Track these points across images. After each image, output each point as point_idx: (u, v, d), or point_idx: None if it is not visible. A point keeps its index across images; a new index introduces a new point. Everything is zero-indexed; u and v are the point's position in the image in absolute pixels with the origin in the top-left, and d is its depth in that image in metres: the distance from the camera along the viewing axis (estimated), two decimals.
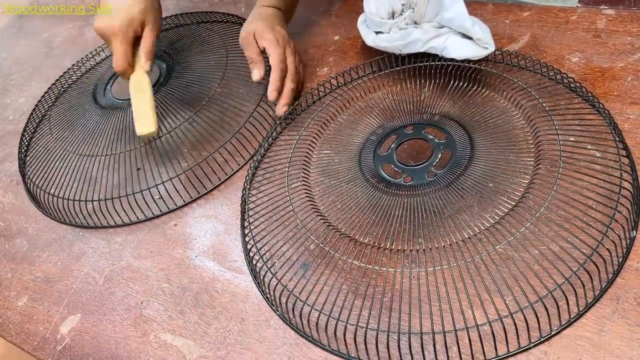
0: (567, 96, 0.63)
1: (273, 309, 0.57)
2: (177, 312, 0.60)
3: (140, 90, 0.73)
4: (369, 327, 0.50)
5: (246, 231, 0.62)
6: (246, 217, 0.63)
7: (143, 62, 0.75)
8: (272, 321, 0.56)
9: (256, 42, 0.74)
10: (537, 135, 0.57)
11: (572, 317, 0.48)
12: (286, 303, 0.55)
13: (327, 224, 0.59)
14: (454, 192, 0.55)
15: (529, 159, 0.55)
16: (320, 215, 0.59)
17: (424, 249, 0.54)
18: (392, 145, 0.62)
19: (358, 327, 0.50)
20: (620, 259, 0.50)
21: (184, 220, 0.69)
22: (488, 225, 0.52)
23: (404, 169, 0.59)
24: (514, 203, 0.53)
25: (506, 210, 0.52)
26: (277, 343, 0.55)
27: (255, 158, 0.70)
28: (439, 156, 0.59)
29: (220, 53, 0.84)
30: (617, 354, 0.45)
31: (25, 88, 1.02)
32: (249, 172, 0.68)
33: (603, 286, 0.49)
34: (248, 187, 0.66)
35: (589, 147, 0.57)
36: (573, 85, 0.63)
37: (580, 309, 0.48)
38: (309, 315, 0.53)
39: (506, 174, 0.55)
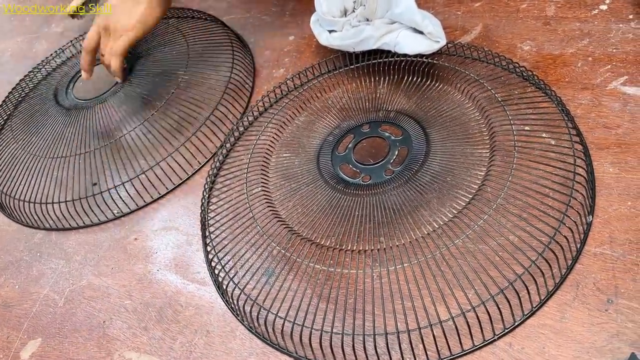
0: (520, 85, 0.63)
1: (238, 319, 0.56)
2: (140, 328, 0.59)
3: None
4: (334, 330, 0.49)
5: (207, 241, 0.60)
6: (207, 226, 0.62)
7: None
8: (237, 332, 0.55)
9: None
10: (491, 126, 0.57)
11: (534, 306, 0.48)
12: (250, 312, 0.54)
13: (288, 229, 0.58)
14: (412, 189, 0.55)
15: (485, 151, 0.55)
16: (281, 221, 0.58)
17: (384, 248, 0.53)
18: (350, 145, 0.61)
19: (323, 332, 0.49)
20: (578, 245, 0.50)
21: (144, 234, 0.67)
22: (447, 220, 0.52)
23: (362, 168, 0.59)
24: (470, 196, 0.52)
25: (464, 204, 0.52)
26: (244, 354, 0.54)
27: (213, 165, 0.68)
28: (396, 153, 0.58)
29: (181, 49, 0.83)
30: (579, 339, 0.46)
31: None
32: (208, 180, 0.67)
33: (563, 273, 0.49)
34: (207, 195, 0.65)
35: (544, 135, 0.57)
36: (525, 74, 0.63)
37: (542, 298, 0.48)
38: (274, 322, 0.52)
39: (463, 167, 0.55)
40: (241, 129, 0.72)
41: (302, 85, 0.74)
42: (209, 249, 0.60)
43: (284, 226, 0.58)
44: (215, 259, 0.58)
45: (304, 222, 0.58)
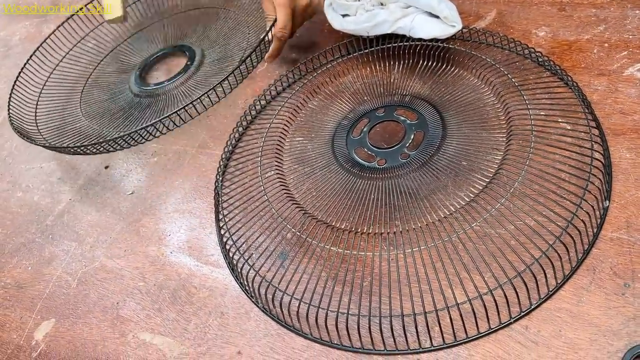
0: (535, 71, 0.63)
1: (253, 301, 0.56)
2: (154, 310, 0.59)
3: None
4: (349, 312, 0.49)
5: (221, 224, 0.60)
6: (220, 209, 0.62)
7: None
8: (252, 313, 0.56)
9: None
10: (507, 111, 0.57)
11: (550, 290, 0.48)
12: (265, 294, 0.54)
13: (303, 211, 0.58)
14: (428, 173, 0.55)
15: (501, 135, 0.55)
16: (295, 204, 0.58)
17: (400, 231, 0.53)
18: (364, 129, 0.61)
19: (339, 314, 0.49)
20: (595, 230, 0.50)
21: (157, 217, 0.67)
22: (463, 204, 0.52)
23: (377, 152, 0.58)
24: (487, 180, 0.52)
25: (480, 188, 0.52)
26: (259, 335, 0.54)
27: (226, 149, 0.68)
28: (412, 137, 0.58)
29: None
30: (596, 323, 0.46)
31: None
32: (221, 163, 0.67)
33: (579, 257, 0.49)
34: (221, 179, 0.65)
35: (560, 120, 0.57)
36: (541, 60, 0.63)
37: (558, 282, 0.48)
38: (290, 304, 0.52)
39: (479, 151, 0.55)
40: (253, 112, 0.72)
41: (315, 70, 0.73)
42: (222, 231, 0.60)
43: (299, 209, 0.58)
44: (230, 241, 0.58)
45: (319, 205, 0.58)
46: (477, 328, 0.48)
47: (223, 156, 0.68)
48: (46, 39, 0.91)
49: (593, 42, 0.65)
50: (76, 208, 0.72)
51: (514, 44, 0.65)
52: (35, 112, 0.83)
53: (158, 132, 0.68)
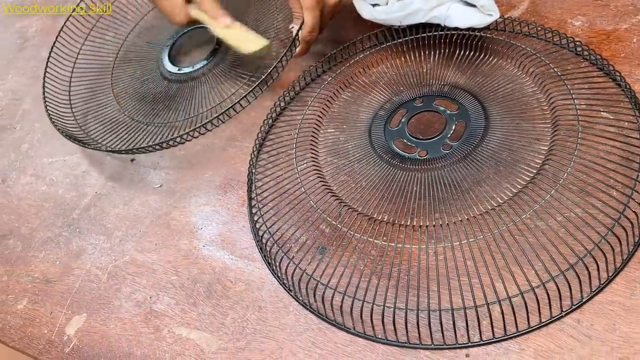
0: (573, 61, 0.62)
1: (292, 295, 0.55)
2: (189, 304, 0.58)
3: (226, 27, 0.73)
4: (395, 306, 0.48)
5: (256, 217, 0.59)
6: (254, 202, 0.61)
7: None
8: (291, 307, 0.55)
9: None
10: (551, 101, 0.56)
11: (602, 283, 0.47)
12: (306, 288, 0.53)
13: (342, 203, 0.57)
14: (472, 164, 0.54)
15: (546, 126, 0.54)
16: (334, 196, 0.57)
17: (447, 224, 0.52)
18: (403, 120, 0.60)
19: (385, 307, 0.48)
20: None
21: (188, 210, 0.66)
22: (511, 195, 0.51)
23: (417, 143, 0.57)
24: (534, 171, 0.51)
25: (527, 179, 0.51)
26: (299, 329, 0.53)
27: (257, 141, 0.67)
28: (453, 128, 0.57)
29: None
30: None
31: (1, 82, 0.97)
32: (252, 155, 0.66)
33: (630, 250, 0.48)
34: (254, 171, 0.64)
35: (602, 110, 0.56)
36: (579, 50, 0.61)
37: (610, 275, 0.47)
38: (332, 298, 0.51)
39: (524, 142, 0.54)
40: (282, 104, 0.71)
41: (345, 60, 0.72)
42: (258, 225, 0.59)
43: (338, 201, 0.57)
44: (267, 234, 0.57)
45: (358, 197, 0.57)
46: (528, 322, 0.47)
47: (254, 148, 0.67)
48: (62, 28, 0.88)
49: (632, 32, 0.64)
50: (103, 201, 0.71)
51: (552, 33, 0.63)
52: (72, 111, 0.80)
53: (197, 133, 0.66)
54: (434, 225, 0.53)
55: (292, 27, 0.72)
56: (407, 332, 0.48)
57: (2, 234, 0.73)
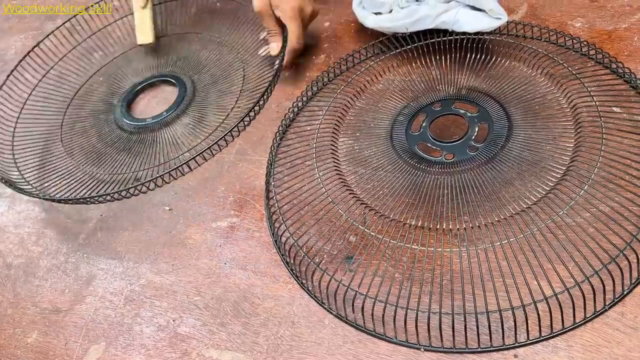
0: (582, 61, 0.63)
1: (325, 308, 0.53)
2: (217, 325, 0.56)
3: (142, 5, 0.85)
4: (435, 312, 0.48)
5: (280, 231, 0.58)
6: (276, 215, 0.59)
7: None
8: (326, 320, 0.53)
9: (273, 12, 0.71)
10: (570, 99, 0.57)
11: None
12: (343, 299, 0.52)
13: (371, 210, 0.56)
14: (499, 165, 0.54)
15: (568, 124, 0.55)
16: (363, 203, 0.57)
17: (479, 226, 0.52)
18: (424, 124, 0.60)
19: (431, 314, 0.48)
20: None
21: (203, 228, 0.64)
22: (543, 194, 0.51)
23: (442, 146, 0.57)
24: (563, 169, 0.52)
25: (558, 177, 0.52)
26: (338, 342, 0.52)
27: (272, 153, 0.66)
28: (476, 130, 0.57)
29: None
30: None
31: None
32: (268, 166, 0.64)
33: None
34: (273, 183, 0.62)
35: (619, 107, 0.57)
36: (585, 49, 0.63)
37: None
38: (373, 307, 0.50)
39: (548, 140, 0.55)
40: (291, 115, 0.70)
41: (351, 68, 0.72)
42: (284, 238, 0.57)
43: (367, 207, 0.57)
44: (295, 247, 0.56)
45: (387, 204, 0.56)
46: (574, 318, 0.47)
47: (269, 161, 0.65)
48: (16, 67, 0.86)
49: (632, 31, 0.66)
50: (109, 224, 0.68)
51: (557, 35, 0.65)
52: (13, 153, 0.77)
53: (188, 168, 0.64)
54: (465, 229, 0.53)
55: (265, 50, 0.73)
56: (453, 337, 0.48)
57: (3, 263, 0.69)
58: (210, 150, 0.63)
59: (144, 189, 0.62)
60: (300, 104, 0.71)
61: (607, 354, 0.45)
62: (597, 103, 0.54)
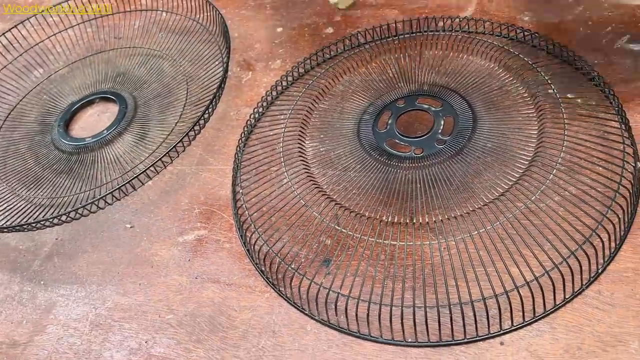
0: (533, 51, 0.65)
1: (307, 314, 0.52)
2: (193, 342, 0.53)
3: None
4: (417, 306, 0.47)
5: (252, 239, 0.56)
6: (247, 224, 0.57)
7: None
8: (308, 326, 0.52)
9: None
10: (529, 88, 0.58)
11: (611, 252, 0.49)
12: (325, 303, 0.51)
13: (346, 210, 0.55)
14: (469, 155, 0.55)
15: (530, 111, 0.56)
16: (337, 204, 0.56)
17: (454, 217, 0.52)
18: (390, 121, 0.60)
19: (413, 308, 0.47)
20: (636, 188, 0.52)
21: (170, 243, 0.61)
22: (513, 181, 0.52)
23: (411, 142, 0.57)
24: (531, 155, 0.53)
25: (526, 163, 0.53)
26: (322, 347, 0.50)
27: (235, 160, 0.64)
28: (442, 123, 0.58)
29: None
30: None
31: None
32: (234, 174, 0.63)
33: (628, 218, 0.50)
34: (240, 190, 0.60)
35: (568, 94, 0.59)
36: (536, 41, 0.65)
37: (617, 243, 0.49)
38: (356, 309, 0.49)
39: (514, 128, 0.56)
40: (252, 122, 0.68)
41: (312, 70, 0.71)
42: (257, 247, 0.56)
43: (340, 207, 0.56)
44: (270, 254, 0.54)
45: (360, 202, 0.56)
46: (554, 300, 0.47)
47: (234, 168, 0.64)
48: None
49: (577, 22, 0.68)
50: (67, 248, 0.64)
51: (507, 28, 0.66)
52: None
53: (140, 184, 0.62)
54: (441, 221, 0.53)
55: None
56: (440, 330, 0.47)
57: None
58: (155, 168, 0.62)
59: (85, 211, 0.60)
60: (261, 109, 0.69)
61: (589, 333, 0.46)
62: (555, 90, 0.56)
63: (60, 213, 0.61)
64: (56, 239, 0.66)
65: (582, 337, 0.46)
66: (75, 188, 0.68)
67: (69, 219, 0.61)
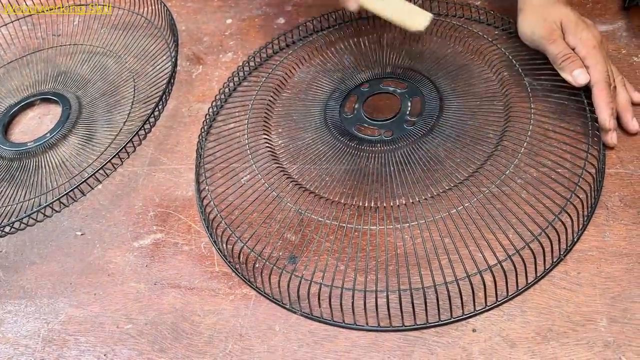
0: (490, 29, 0.65)
1: (288, 308, 0.50)
2: (156, 351, 0.51)
3: None
4: (399, 289, 0.46)
5: (217, 237, 0.54)
6: (217, 222, 0.55)
7: None
8: (277, 327, 0.50)
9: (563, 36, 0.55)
10: (492, 65, 0.59)
11: (576, 232, 0.49)
12: (297, 293, 0.49)
13: (324, 199, 0.55)
14: (439, 135, 0.55)
15: (495, 86, 0.57)
16: (312, 193, 0.55)
17: (432, 196, 0.52)
18: (356, 106, 0.59)
19: (389, 293, 0.46)
20: (601, 172, 0.52)
21: (125, 248, 0.58)
22: (483, 160, 0.52)
23: (379, 125, 0.57)
24: (500, 132, 0.54)
25: (495, 142, 0.53)
26: (292, 348, 0.49)
27: (197, 156, 0.62)
28: (409, 104, 0.58)
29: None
30: (626, 252, 0.48)
31: None
32: (197, 171, 0.60)
33: (592, 202, 0.50)
34: (207, 188, 0.58)
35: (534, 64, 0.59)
36: (491, 20, 0.65)
37: (581, 226, 0.49)
38: (330, 296, 0.48)
39: (482, 104, 0.56)
40: (208, 122, 0.66)
41: (267, 60, 0.69)
42: (223, 244, 0.54)
43: (317, 197, 0.55)
44: (245, 249, 0.52)
45: (335, 190, 0.55)
46: (526, 279, 0.47)
47: (197, 165, 0.61)
48: None
49: None
50: (11, 261, 0.60)
51: (462, 8, 0.66)
52: None
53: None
54: (415, 203, 0.52)
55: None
56: (414, 315, 0.46)
57: None
58: (104, 171, 0.59)
59: (31, 221, 0.57)
60: (219, 102, 0.66)
61: (559, 313, 0.46)
62: (518, 65, 0.56)
63: (3, 224, 0.57)
64: (0, 251, 0.61)
65: (552, 319, 0.46)
66: (19, 196, 0.64)
67: (13, 229, 0.57)
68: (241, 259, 0.53)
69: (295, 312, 0.50)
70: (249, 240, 0.53)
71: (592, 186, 0.49)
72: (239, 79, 0.68)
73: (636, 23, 0.62)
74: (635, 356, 0.43)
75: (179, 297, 0.54)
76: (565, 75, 0.53)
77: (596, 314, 0.45)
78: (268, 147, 0.59)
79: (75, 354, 0.52)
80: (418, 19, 0.55)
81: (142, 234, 0.59)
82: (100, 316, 0.54)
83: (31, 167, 0.67)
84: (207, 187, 0.58)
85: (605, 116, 0.51)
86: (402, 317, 0.47)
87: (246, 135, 0.61)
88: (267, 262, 0.51)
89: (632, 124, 0.53)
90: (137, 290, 0.55)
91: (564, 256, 0.48)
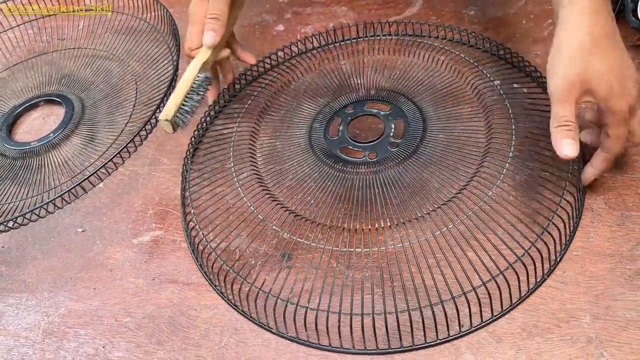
0: (472, 50, 0.67)
1: (267, 329, 0.51)
2: (153, 344, 0.52)
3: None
4: (385, 312, 0.47)
5: (201, 246, 0.55)
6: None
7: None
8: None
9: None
10: (473, 85, 0.60)
11: (567, 239, 0.50)
12: (283, 314, 0.49)
13: (304, 219, 0.55)
14: (423, 156, 0.56)
15: (475, 108, 0.58)
16: (296, 215, 0.56)
17: (421, 216, 0.53)
18: (340, 128, 0.60)
19: (375, 315, 0.46)
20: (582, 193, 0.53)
21: (125, 245, 0.60)
22: (470, 177, 0.53)
23: (363, 147, 0.58)
24: (483, 150, 0.55)
25: (479, 159, 0.54)
26: (285, 342, 0.50)
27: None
28: (392, 126, 0.59)
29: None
30: (610, 252, 0.49)
31: None
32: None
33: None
34: (190, 195, 0.59)
35: (514, 84, 0.61)
36: (472, 41, 0.67)
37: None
38: (316, 320, 0.48)
39: (464, 125, 0.57)
40: (191, 151, 0.66)
41: (249, 83, 0.71)
42: (207, 253, 0.55)
43: (297, 217, 0.56)
44: (225, 267, 0.53)
45: (321, 212, 0.55)
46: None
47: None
48: None
49: (520, 15, 0.71)
50: (13, 256, 0.62)
51: (444, 30, 0.68)
52: None
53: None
54: (404, 223, 0.53)
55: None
56: (412, 336, 0.47)
57: None
58: (106, 169, 0.60)
59: (34, 216, 0.58)
60: (200, 132, 0.67)
61: (544, 310, 0.47)
62: (499, 87, 0.58)
63: (6, 219, 0.58)
64: (2, 246, 0.63)
65: (537, 315, 0.47)
66: (22, 194, 0.65)
67: (15, 224, 0.58)
68: (226, 283, 0.54)
69: (280, 336, 0.50)
70: (234, 264, 0.54)
71: (571, 213, 0.50)
72: (240, 85, 0.70)
73: None
74: (616, 351, 0.44)
75: (176, 292, 0.55)
76: (554, 139, 0.47)
77: (580, 311, 0.47)
78: (253, 169, 0.61)
79: (74, 346, 0.53)
80: (165, 111, 0.57)
81: (141, 231, 0.60)
82: (100, 310, 0.55)
83: (34, 166, 0.69)
84: (192, 211, 0.58)
85: (589, 177, 0.51)
86: (389, 340, 0.47)
87: (232, 159, 0.62)
88: (253, 287, 0.52)
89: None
90: (135, 285, 0.56)
91: (547, 276, 0.49)
